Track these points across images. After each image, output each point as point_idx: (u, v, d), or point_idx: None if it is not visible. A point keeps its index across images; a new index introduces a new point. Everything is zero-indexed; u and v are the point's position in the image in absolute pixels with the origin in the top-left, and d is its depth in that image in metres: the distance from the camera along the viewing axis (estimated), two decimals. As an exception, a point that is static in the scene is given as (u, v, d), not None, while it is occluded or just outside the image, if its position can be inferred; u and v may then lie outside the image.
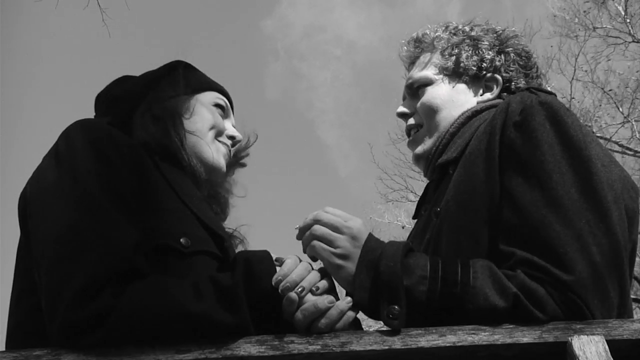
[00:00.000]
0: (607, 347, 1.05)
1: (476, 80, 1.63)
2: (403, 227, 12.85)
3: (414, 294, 1.14)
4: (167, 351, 1.06)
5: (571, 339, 1.06)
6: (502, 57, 1.63)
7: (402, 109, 1.67)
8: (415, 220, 1.62)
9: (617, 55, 12.58)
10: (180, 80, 1.57)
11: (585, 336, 1.06)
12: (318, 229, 1.25)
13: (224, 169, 1.53)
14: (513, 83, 1.63)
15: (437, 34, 1.68)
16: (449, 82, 1.62)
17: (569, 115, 1.28)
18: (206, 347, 1.07)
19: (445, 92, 1.60)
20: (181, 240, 1.25)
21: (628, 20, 12.31)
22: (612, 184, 1.24)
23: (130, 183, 1.25)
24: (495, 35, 1.66)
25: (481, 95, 1.62)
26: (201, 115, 1.52)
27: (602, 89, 12.23)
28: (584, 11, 12.68)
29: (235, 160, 1.64)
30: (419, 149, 1.61)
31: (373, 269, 1.17)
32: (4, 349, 1.07)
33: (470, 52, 1.62)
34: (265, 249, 1.22)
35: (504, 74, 1.62)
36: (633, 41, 12.34)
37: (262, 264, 1.18)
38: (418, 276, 1.15)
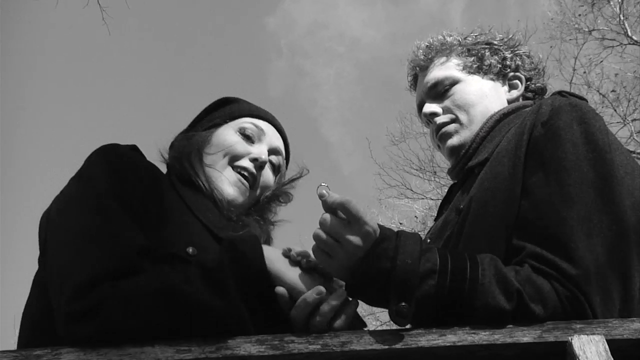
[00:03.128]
0: (607, 346, 1.05)
1: (501, 78, 1.66)
2: (401, 224, 12.86)
3: (422, 287, 1.13)
4: (167, 351, 1.05)
5: (571, 339, 1.06)
6: (518, 58, 1.68)
7: (433, 108, 1.63)
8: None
9: (614, 57, 12.62)
10: (210, 117, 1.64)
11: (586, 336, 1.06)
12: (319, 237, 1.19)
13: (236, 198, 1.51)
14: (533, 81, 1.69)
15: (447, 40, 1.70)
16: (477, 79, 1.63)
17: (598, 119, 1.30)
18: (206, 346, 1.07)
19: (477, 87, 1.62)
20: (187, 249, 1.27)
21: (624, 22, 12.35)
22: (633, 191, 1.24)
23: (143, 197, 1.28)
24: (502, 39, 1.71)
25: (508, 93, 1.65)
26: (217, 145, 1.55)
27: (598, 91, 12.28)
28: (579, 14, 12.73)
29: (272, 192, 1.61)
30: (455, 140, 1.58)
31: (388, 260, 1.14)
32: (4, 349, 1.07)
33: (489, 52, 1.66)
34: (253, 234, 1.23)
35: (523, 73, 1.68)
36: (630, 43, 12.37)
37: (247, 244, 1.19)
38: (427, 269, 1.14)
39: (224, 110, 1.65)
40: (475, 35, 1.72)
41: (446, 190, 1.71)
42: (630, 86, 12.13)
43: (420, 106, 1.70)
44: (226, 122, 1.60)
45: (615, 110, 12.07)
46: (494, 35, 1.73)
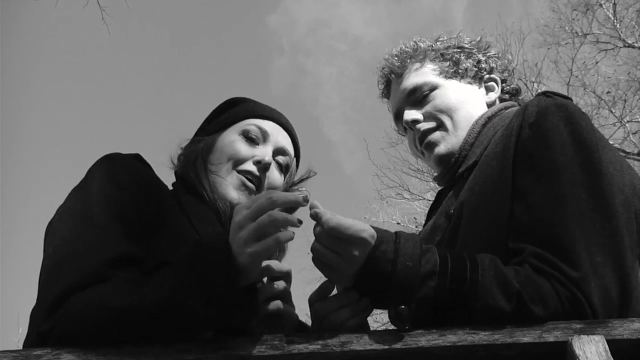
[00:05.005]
0: (607, 347, 1.05)
1: (478, 81, 1.65)
2: (398, 223, 12.88)
3: (422, 289, 1.12)
4: (167, 351, 1.05)
5: (571, 339, 1.06)
6: (491, 60, 1.68)
7: (414, 114, 1.59)
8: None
9: (609, 60, 12.69)
10: (217, 120, 1.62)
11: (586, 336, 1.06)
12: (318, 250, 1.17)
13: (240, 202, 1.46)
14: (507, 83, 1.69)
15: (420, 45, 1.67)
16: (455, 84, 1.62)
17: (584, 118, 1.30)
18: (206, 347, 1.06)
19: (457, 93, 1.60)
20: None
21: (617, 26, 12.41)
22: (623, 188, 1.25)
23: (139, 207, 1.27)
24: (472, 42, 1.70)
25: (486, 95, 1.65)
26: (221, 150, 1.53)
27: (594, 92, 12.34)
28: (573, 19, 12.80)
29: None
30: (442, 149, 1.55)
31: (388, 263, 1.13)
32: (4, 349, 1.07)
33: (463, 56, 1.65)
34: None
35: (498, 75, 1.67)
36: (624, 46, 12.44)
37: (213, 235, 1.14)
38: (427, 271, 1.14)
39: (230, 112, 1.63)
40: (445, 40, 1.70)
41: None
42: (626, 88, 12.20)
43: (398, 114, 1.68)
44: (230, 126, 1.58)
45: (611, 112, 12.13)
46: (462, 38, 1.71)
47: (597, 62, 12.47)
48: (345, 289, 1.20)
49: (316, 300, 1.23)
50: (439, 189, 1.68)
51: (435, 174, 1.65)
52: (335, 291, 1.24)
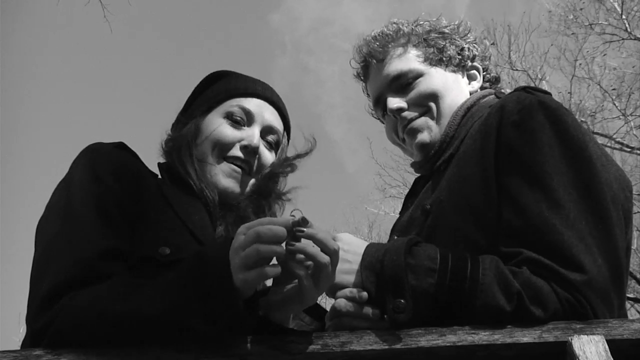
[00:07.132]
0: (607, 347, 1.05)
1: (460, 69, 1.63)
2: None
3: (422, 285, 1.13)
4: (168, 351, 1.05)
5: (571, 339, 1.06)
6: (473, 48, 1.65)
7: (398, 102, 1.56)
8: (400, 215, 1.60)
9: (613, 51, 12.62)
10: (200, 100, 1.58)
11: (585, 336, 1.06)
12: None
13: (233, 189, 1.47)
14: (488, 71, 1.67)
15: (403, 29, 1.63)
16: (439, 72, 1.59)
17: (568, 114, 1.28)
18: (206, 346, 1.07)
19: (441, 81, 1.57)
20: (160, 250, 1.24)
21: (624, 17, 12.35)
22: (611, 184, 1.24)
23: (119, 199, 1.26)
24: (452, 27, 1.66)
25: (469, 85, 1.62)
26: (206, 136, 1.49)
27: (599, 84, 12.30)
28: (580, 8, 12.73)
29: (269, 170, 1.53)
30: (425, 136, 1.54)
31: (378, 263, 1.16)
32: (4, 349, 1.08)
33: (446, 42, 1.61)
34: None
35: (479, 63, 1.65)
36: (630, 38, 12.37)
37: (214, 249, 1.09)
38: (427, 268, 1.14)
39: (212, 90, 1.58)
40: (424, 23, 1.66)
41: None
42: (631, 81, 12.16)
43: (378, 99, 1.64)
44: (214, 108, 1.54)
45: (614, 105, 12.09)
46: (441, 22, 1.67)
47: (604, 54, 12.42)
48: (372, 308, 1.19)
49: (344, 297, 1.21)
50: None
51: (414, 160, 1.62)
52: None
